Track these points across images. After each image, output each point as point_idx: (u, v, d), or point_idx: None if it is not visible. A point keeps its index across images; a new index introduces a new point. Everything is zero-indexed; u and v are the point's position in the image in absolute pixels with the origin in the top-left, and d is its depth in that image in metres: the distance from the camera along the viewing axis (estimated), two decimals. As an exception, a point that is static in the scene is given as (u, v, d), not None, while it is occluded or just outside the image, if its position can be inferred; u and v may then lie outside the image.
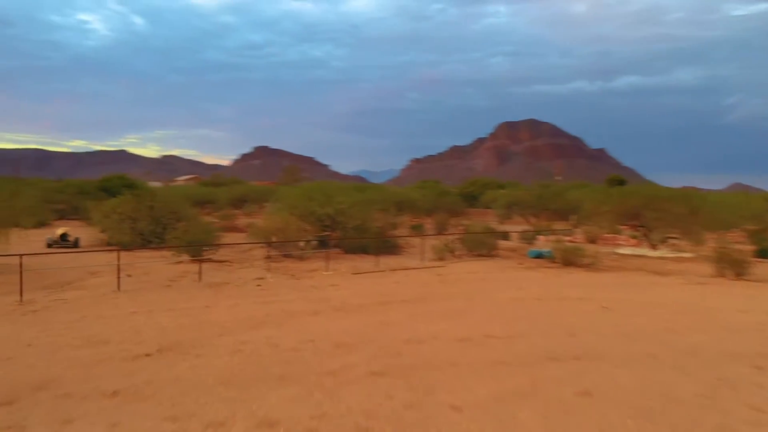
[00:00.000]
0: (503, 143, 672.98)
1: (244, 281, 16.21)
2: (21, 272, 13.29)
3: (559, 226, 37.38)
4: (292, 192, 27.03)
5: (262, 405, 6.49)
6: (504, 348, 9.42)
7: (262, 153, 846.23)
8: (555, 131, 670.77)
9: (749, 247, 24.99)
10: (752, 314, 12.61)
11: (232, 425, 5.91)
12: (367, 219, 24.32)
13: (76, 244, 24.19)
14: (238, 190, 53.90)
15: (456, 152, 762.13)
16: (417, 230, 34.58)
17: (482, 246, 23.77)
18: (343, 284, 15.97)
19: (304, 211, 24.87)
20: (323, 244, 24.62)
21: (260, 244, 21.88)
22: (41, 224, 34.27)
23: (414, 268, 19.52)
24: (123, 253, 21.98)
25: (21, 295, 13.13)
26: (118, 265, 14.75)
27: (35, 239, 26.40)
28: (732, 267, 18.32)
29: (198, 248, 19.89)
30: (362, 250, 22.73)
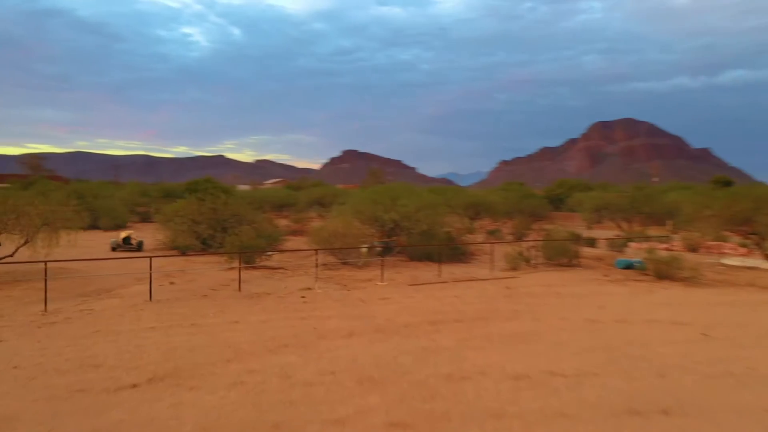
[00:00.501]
0: (597, 144, 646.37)
1: (289, 292, 14.87)
2: (45, 280, 12.55)
3: (654, 232, 33.83)
4: (357, 195, 25.59)
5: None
6: (569, 392, 7.40)
7: (351, 156, 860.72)
8: (653, 130, 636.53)
9: None
10: None
11: None
12: (435, 224, 22.46)
13: (139, 248, 23.94)
14: (314, 193, 53.37)
15: (546, 154, 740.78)
16: (493, 235, 32.27)
17: (563, 254, 21.30)
18: (396, 297, 14.27)
19: (368, 215, 23.40)
20: (387, 250, 23.05)
21: (323, 250, 20.55)
22: (120, 226, 34.94)
23: (480, 279, 17.50)
24: (180, 258, 21.45)
25: (45, 304, 12.39)
26: (150, 274, 13.81)
27: (107, 241, 26.54)
28: None
29: (251, 254, 18.85)
30: (428, 257, 20.94)
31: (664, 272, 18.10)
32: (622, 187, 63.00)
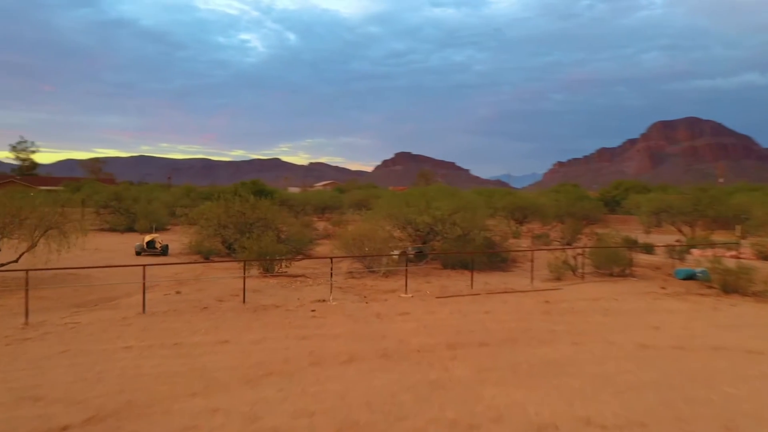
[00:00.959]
0: (657, 144, 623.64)
1: (301, 304, 13.45)
2: (26, 290, 11.50)
3: (719, 237, 30.90)
4: (389, 196, 24.04)
5: None
6: (606, 455, 5.66)
7: (404, 159, 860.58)
8: (718, 129, 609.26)
9: None
10: None
11: None
12: (473, 228, 20.62)
13: (164, 252, 23.10)
14: (357, 195, 52.10)
15: (604, 154, 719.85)
16: (540, 240, 30.12)
17: (614, 262, 19.11)
18: (418, 313, 12.65)
19: (401, 218, 21.84)
20: (421, 256, 21.43)
21: (349, 257, 19.12)
22: (157, 229, 34.47)
23: (518, 291, 15.65)
24: (201, 264, 20.42)
25: (26, 316, 11.33)
26: (143, 284, 12.60)
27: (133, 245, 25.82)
28: None
29: (270, 262, 17.59)
30: (463, 265, 19.18)
31: (731, 285, 15.81)
32: (683, 188, 59.23)
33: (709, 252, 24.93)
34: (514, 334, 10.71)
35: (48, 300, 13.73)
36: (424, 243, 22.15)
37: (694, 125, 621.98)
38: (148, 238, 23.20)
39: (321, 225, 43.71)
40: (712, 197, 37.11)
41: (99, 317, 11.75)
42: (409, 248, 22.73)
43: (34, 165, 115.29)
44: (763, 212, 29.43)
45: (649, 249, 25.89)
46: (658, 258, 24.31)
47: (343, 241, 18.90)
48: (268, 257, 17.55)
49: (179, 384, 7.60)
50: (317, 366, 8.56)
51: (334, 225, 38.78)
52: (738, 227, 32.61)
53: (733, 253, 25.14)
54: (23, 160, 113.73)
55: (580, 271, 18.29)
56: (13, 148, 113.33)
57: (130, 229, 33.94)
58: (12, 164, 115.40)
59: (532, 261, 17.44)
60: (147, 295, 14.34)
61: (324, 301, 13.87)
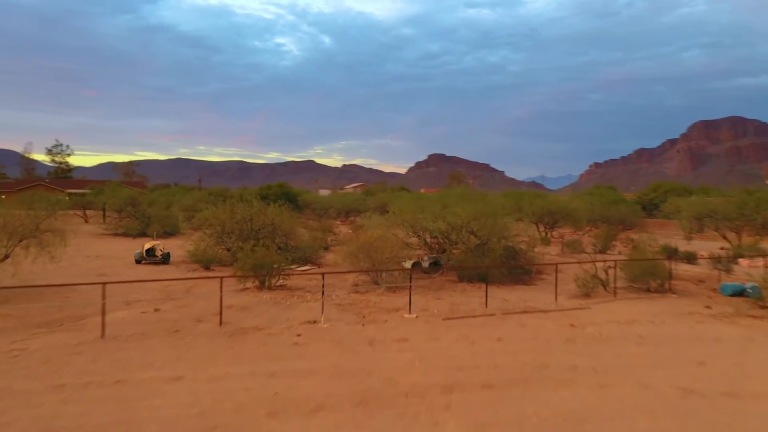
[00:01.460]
0: (699, 144, 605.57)
1: (287, 326, 11.86)
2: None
3: (770, 244, 28.27)
4: (403, 200, 22.30)
5: None
6: None
7: (437, 160, 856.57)
8: (763, 129, 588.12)
9: None
10: None
11: None
12: (494, 236, 18.72)
13: (165, 260, 21.81)
14: (382, 198, 50.42)
15: (643, 155, 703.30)
16: (570, 248, 27.98)
17: (651, 275, 17.02)
18: (418, 339, 10.92)
19: (415, 225, 20.13)
20: (435, 267, 19.68)
21: (348, 272, 17.50)
22: (170, 234, 33.44)
23: (539, 311, 13.77)
24: (197, 274, 19.06)
25: (-37, 343, 9.99)
26: (103, 304, 11.07)
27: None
28: None
29: (266, 274, 16.07)
30: (481, 278, 17.34)
31: (790, 305, 13.66)
32: (727, 190, 55.86)
33: (759, 262, 22.56)
34: (527, 372, 8.92)
35: (12, 319, 12.43)
36: (442, 252, 20.39)
37: (737, 125, 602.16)
38: (148, 245, 21.93)
39: (343, 229, 42.25)
40: (759, 200, 34.26)
41: (53, 342, 10.35)
42: (425, 258, 21.02)
43: (69, 168, 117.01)
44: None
45: (691, 258, 23.61)
46: (701, 269, 22.01)
47: (350, 251, 17.24)
48: (263, 269, 16.00)
49: (89, 446, 6.07)
50: (274, 418, 6.94)
51: (355, 230, 37.18)
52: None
53: (787, 263, 22.66)
54: (59, 163, 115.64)
55: (612, 286, 16.25)
56: (49, 152, 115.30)
57: (143, 234, 32.93)
58: (51, 167, 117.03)
59: (556, 276, 15.47)
60: (123, 313, 13.07)
61: (315, 322, 12.25)
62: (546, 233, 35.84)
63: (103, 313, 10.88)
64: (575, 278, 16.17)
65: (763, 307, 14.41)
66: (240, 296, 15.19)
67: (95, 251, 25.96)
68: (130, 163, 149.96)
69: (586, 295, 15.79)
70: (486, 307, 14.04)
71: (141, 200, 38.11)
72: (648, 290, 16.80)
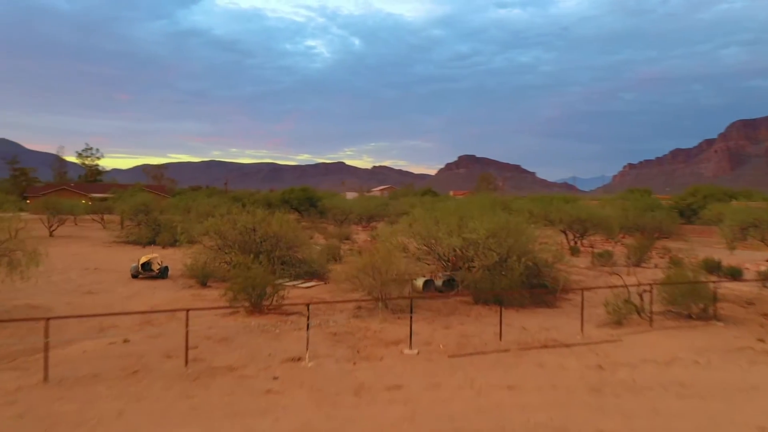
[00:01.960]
0: (737, 144, 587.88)
1: (266, 365, 10.28)
2: None
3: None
4: (417, 212, 20.52)
5: None
6: None
7: (468, 162, 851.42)
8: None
9: None
10: None
11: None
12: (514, 253, 16.85)
13: (162, 274, 20.47)
14: (404, 204, 48.60)
15: (679, 156, 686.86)
16: (602, 260, 25.86)
17: (693, 296, 14.94)
18: (414, 386, 9.22)
19: (427, 239, 18.43)
20: (450, 284, 17.94)
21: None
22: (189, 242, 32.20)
23: (562, 345, 11.92)
24: (190, 292, 17.72)
25: None
26: (45, 344, 9.56)
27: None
28: None
29: (260, 294, 14.53)
30: (497, 299, 15.53)
31: None
32: (772, 194, 52.50)
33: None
34: (541, 440, 7.16)
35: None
36: (459, 269, 18.61)
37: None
38: (143, 259, 20.60)
39: (362, 236, 40.68)
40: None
41: (-15, 387, 8.94)
42: (439, 274, 19.29)
43: (99, 171, 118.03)
44: None
45: (736, 275, 21.37)
46: (749, 287, 19.75)
47: (351, 273, 15.57)
48: (255, 290, 14.45)
49: None
50: None
51: (372, 238, 35.59)
52: None
53: None
54: (88, 166, 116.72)
55: (647, 312, 14.25)
56: (79, 155, 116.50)
57: (153, 243, 31.86)
58: (83, 170, 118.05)
59: (582, 303, 13.55)
60: (90, 344, 11.72)
61: (299, 359, 10.65)
62: (575, 242, 33.69)
63: (46, 354, 9.40)
64: (605, 303, 14.23)
65: (827, 342, 12.32)
66: (225, 321, 13.70)
67: (96, 262, 24.86)
68: (159, 166, 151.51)
69: (618, 323, 13.85)
70: (500, 339, 12.23)
71: (154, 206, 37.12)
72: (689, 316, 14.77)
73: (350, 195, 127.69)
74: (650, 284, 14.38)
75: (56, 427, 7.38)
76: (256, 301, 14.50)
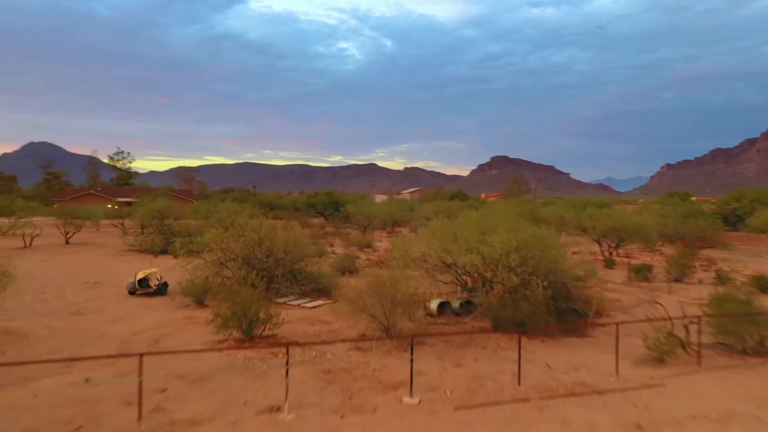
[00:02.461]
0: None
1: (237, 417, 8.71)
2: None
3: None
4: (435, 224, 18.74)
5: None
6: None
7: (500, 162, 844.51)
8: None
9: None
10: None
11: None
12: (539, 272, 14.98)
13: (161, 291, 19.15)
14: (429, 209, 46.75)
15: (719, 156, 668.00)
16: (640, 275, 23.69)
17: (748, 325, 12.87)
18: (407, 453, 7.54)
19: (444, 256, 16.68)
20: (467, 306, 16.20)
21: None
22: (192, 252, 31.03)
23: (593, 392, 10.07)
24: (182, 313, 16.35)
25: None
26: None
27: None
28: None
29: (251, 322, 13.00)
30: (520, 324, 13.72)
31: None
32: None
33: None
34: None
35: None
36: (476, 289, 16.83)
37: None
38: (140, 274, 19.29)
39: (384, 244, 39.00)
40: None
41: None
42: (458, 294, 17.56)
43: (130, 174, 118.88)
44: None
45: (793, 295, 19.06)
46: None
47: (352, 298, 13.90)
48: (245, 317, 12.93)
49: None
50: None
51: (392, 247, 33.91)
52: None
53: None
54: (120, 169, 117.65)
55: (694, 347, 12.25)
56: (111, 159, 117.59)
57: (165, 252, 30.71)
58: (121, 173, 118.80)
59: (617, 339, 11.61)
60: (50, 381, 10.40)
61: (278, 409, 9.06)
62: (610, 252, 31.43)
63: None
64: (644, 337, 12.26)
65: None
66: (207, 355, 12.18)
67: (100, 274, 23.74)
68: (191, 168, 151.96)
69: (659, 361, 11.89)
70: (519, 383, 10.42)
71: (169, 213, 36.10)
72: (744, 351, 12.72)
73: (379, 197, 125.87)
74: (698, 317, 12.32)
75: None
76: (247, 328, 12.99)
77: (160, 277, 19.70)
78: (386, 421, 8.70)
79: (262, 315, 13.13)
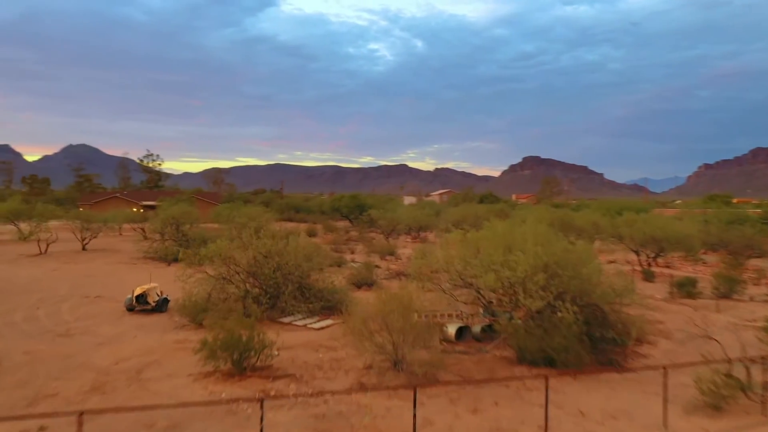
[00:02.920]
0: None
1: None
2: None
3: None
4: (455, 237, 17.06)
5: None
6: None
7: (532, 163, 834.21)
8: None
9: None
10: None
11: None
12: (568, 294, 13.19)
13: (159, 308, 17.88)
14: (454, 214, 44.85)
15: (760, 155, 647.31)
16: (683, 290, 21.58)
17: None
18: None
19: (464, 275, 14.97)
20: (489, 331, 14.53)
21: (367, 344, 12.63)
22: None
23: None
24: (174, 338, 15.00)
25: None
26: None
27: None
28: None
29: (241, 354, 11.55)
30: (547, 359, 11.99)
31: None
32: None
33: None
34: None
35: None
36: (496, 313, 15.09)
37: None
38: (138, 290, 18.00)
39: (407, 251, 37.27)
40: None
41: None
42: (480, 312, 15.81)
43: (159, 177, 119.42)
44: None
45: None
46: None
47: (355, 326, 12.30)
48: (235, 348, 11.47)
49: None
50: None
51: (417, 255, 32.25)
52: None
53: None
54: (150, 172, 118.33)
55: (758, 391, 10.33)
56: (140, 161, 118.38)
57: (177, 260, 29.56)
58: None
59: (665, 384, 9.76)
60: (5, 425, 9.01)
61: (253, 475, 7.54)
62: (649, 264, 29.22)
63: None
64: (697, 379, 10.38)
65: None
66: (192, 389, 10.75)
67: (104, 286, 22.66)
68: (221, 170, 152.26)
69: (716, 409, 10.02)
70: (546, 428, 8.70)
71: (186, 218, 35.08)
72: (815, 394, 10.75)
73: (408, 199, 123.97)
74: (762, 358, 10.41)
75: None
76: (238, 360, 11.54)
77: (161, 292, 18.45)
78: (380, 494, 7.11)
79: (255, 344, 11.68)
